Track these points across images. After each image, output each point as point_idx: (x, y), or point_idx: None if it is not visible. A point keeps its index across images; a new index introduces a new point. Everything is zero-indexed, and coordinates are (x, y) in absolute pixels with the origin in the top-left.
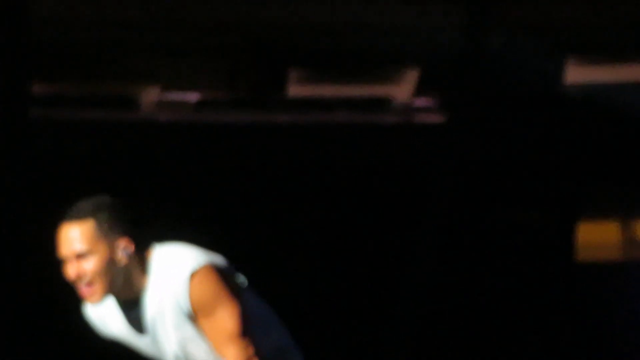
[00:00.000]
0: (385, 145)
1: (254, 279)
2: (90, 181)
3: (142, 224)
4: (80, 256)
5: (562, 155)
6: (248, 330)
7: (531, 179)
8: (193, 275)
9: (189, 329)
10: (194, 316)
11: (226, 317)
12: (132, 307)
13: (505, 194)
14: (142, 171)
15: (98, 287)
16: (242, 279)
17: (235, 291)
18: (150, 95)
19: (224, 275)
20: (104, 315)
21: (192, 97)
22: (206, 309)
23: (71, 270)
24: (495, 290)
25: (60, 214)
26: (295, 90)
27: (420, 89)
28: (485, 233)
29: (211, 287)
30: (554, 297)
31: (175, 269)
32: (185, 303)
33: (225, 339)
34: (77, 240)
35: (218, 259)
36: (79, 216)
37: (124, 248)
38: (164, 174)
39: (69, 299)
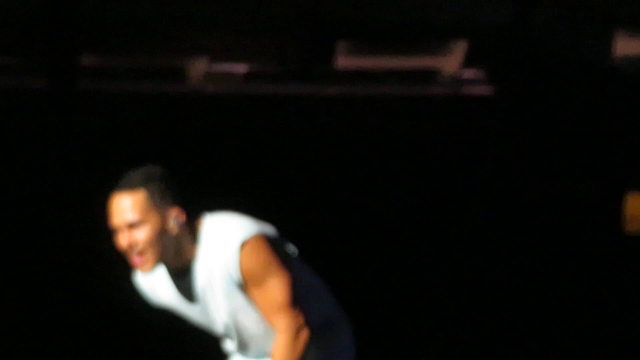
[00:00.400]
0: (433, 117)
1: (303, 248)
2: (139, 152)
3: (191, 193)
4: (132, 226)
5: (609, 127)
6: (298, 299)
7: (578, 151)
8: (243, 245)
9: (239, 299)
10: (245, 285)
11: (276, 286)
12: (182, 276)
13: (551, 166)
14: (190, 142)
15: (149, 256)
16: (292, 249)
17: (285, 260)
18: (198, 67)
19: (274, 245)
20: (155, 284)
21: (240, 68)
22: (256, 278)
23: (123, 240)
24: (540, 261)
25: (110, 185)
26: (344, 62)
27: (468, 61)
28: (531, 204)
29: (261, 256)
30: (602, 268)
31: (225, 238)
32: (235, 272)
33: (276, 308)
34: (129, 210)
35: (268, 229)
36: (130, 186)
37: (175, 217)
38: (211, 145)
39: (119, 268)
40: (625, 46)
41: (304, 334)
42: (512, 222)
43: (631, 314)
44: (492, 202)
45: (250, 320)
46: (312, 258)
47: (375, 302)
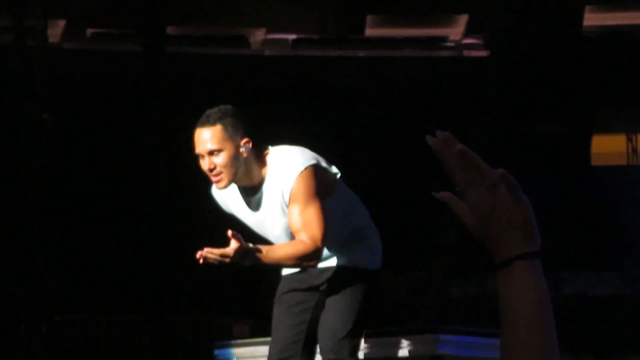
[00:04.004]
0: (442, 74)
1: (343, 174)
2: (212, 101)
3: (257, 128)
4: (211, 153)
5: (581, 81)
6: (323, 228)
7: (556, 101)
8: (299, 175)
9: None
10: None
11: (309, 211)
12: (250, 193)
13: (535, 111)
14: (251, 94)
15: (225, 176)
16: (336, 170)
17: (329, 185)
18: (258, 35)
19: (321, 172)
20: (227, 197)
21: (291, 36)
22: (296, 199)
23: (204, 164)
24: (528, 186)
25: (193, 123)
26: (372, 31)
27: (469, 31)
28: (519, 143)
29: (308, 183)
30: (572, 192)
31: (288, 167)
32: (287, 196)
33: (302, 227)
34: (209, 141)
35: (318, 157)
36: (209, 122)
37: (244, 145)
38: (268, 96)
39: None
40: (592, 18)
41: (314, 253)
42: (503, 159)
43: (594, 229)
44: (488, 140)
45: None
46: (349, 182)
47: (394, 217)
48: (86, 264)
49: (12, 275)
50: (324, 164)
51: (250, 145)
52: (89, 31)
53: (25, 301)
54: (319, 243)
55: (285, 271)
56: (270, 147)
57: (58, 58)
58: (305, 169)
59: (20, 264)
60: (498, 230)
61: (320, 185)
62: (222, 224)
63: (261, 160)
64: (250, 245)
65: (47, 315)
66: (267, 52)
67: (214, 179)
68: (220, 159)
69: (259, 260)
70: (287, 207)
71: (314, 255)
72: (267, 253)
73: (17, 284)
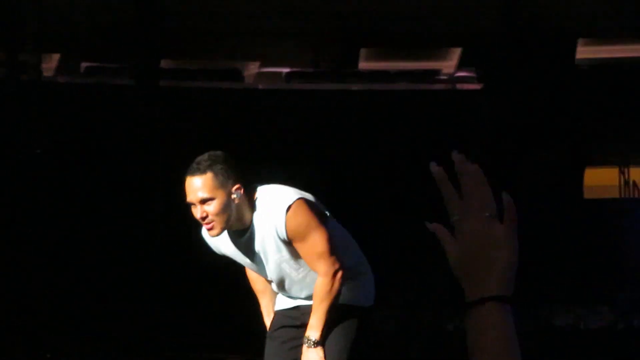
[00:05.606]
0: (435, 107)
1: (335, 210)
2: (209, 134)
3: (247, 170)
4: (203, 202)
5: (573, 114)
6: (335, 248)
7: (548, 133)
8: (288, 210)
9: (285, 252)
10: (290, 242)
11: (317, 240)
12: (241, 235)
13: (528, 144)
14: (245, 127)
15: (217, 224)
16: (325, 209)
17: (322, 218)
18: (251, 69)
19: (312, 207)
20: (217, 241)
21: (284, 70)
22: (300, 235)
23: (196, 213)
24: (520, 217)
25: (185, 161)
26: (365, 65)
27: (462, 64)
28: (510, 174)
29: (303, 216)
30: (565, 226)
31: (274, 206)
32: (282, 232)
33: (317, 257)
34: (200, 190)
35: (307, 194)
36: (199, 170)
37: (235, 191)
38: (262, 130)
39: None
40: (585, 51)
41: (340, 275)
42: (495, 189)
43: (586, 262)
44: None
45: (291, 269)
46: (341, 218)
47: (389, 252)
48: (80, 300)
49: (10, 306)
50: (314, 202)
51: (242, 191)
52: (83, 65)
53: (22, 334)
54: (336, 266)
55: (278, 306)
56: (258, 187)
57: (52, 92)
58: (295, 201)
59: (17, 294)
60: (478, 267)
61: (314, 212)
62: (215, 260)
63: (252, 203)
64: (305, 343)
65: (42, 350)
66: (260, 86)
67: (206, 227)
68: (212, 207)
69: (322, 335)
70: (286, 244)
71: (338, 279)
72: (318, 323)
73: (15, 316)
